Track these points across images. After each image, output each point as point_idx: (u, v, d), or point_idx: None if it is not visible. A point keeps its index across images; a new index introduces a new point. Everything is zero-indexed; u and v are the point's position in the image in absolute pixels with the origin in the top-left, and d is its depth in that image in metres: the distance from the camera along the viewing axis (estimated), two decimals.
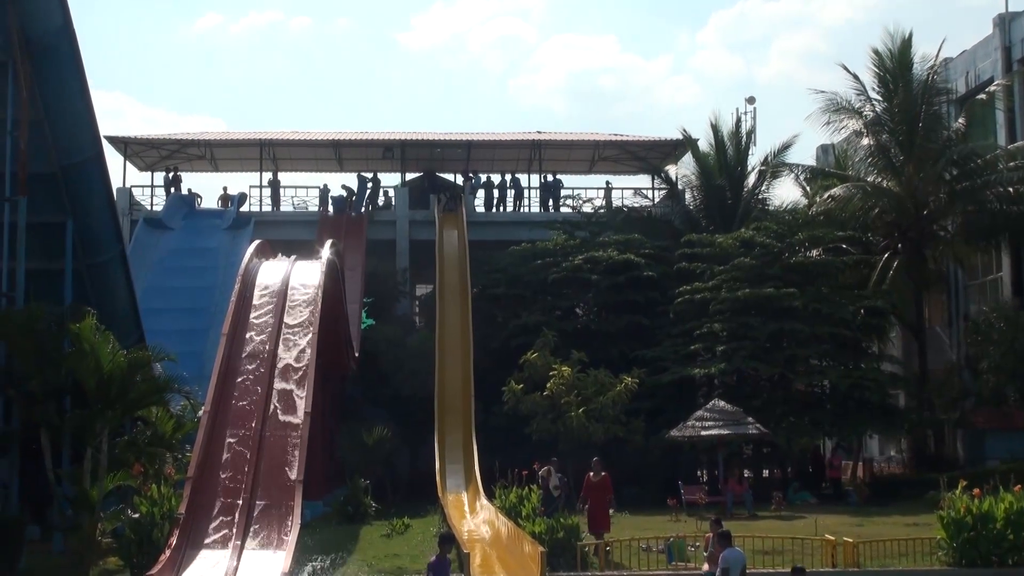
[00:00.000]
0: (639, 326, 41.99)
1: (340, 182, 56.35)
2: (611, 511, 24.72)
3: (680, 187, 49.23)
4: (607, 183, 53.48)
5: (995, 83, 42.28)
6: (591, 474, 24.40)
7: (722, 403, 35.81)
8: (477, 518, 28.25)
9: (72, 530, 23.69)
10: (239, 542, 22.62)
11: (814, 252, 43.28)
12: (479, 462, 32.66)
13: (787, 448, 38.77)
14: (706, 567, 20.70)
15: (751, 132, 49.23)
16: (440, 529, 24.96)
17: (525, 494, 24.58)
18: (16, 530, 22.79)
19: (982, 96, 42.80)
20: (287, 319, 30.03)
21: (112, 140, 48.95)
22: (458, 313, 40.99)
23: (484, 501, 28.47)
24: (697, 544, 23.25)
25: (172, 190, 50.87)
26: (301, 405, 26.62)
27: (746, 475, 39.48)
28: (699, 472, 39.88)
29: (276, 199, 51.96)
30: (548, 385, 35.99)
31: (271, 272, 32.36)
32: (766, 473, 44.50)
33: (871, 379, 38.89)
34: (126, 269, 30.09)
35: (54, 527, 24.69)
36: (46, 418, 24.97)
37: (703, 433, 34.60)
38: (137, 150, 52.53)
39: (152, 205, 50.94)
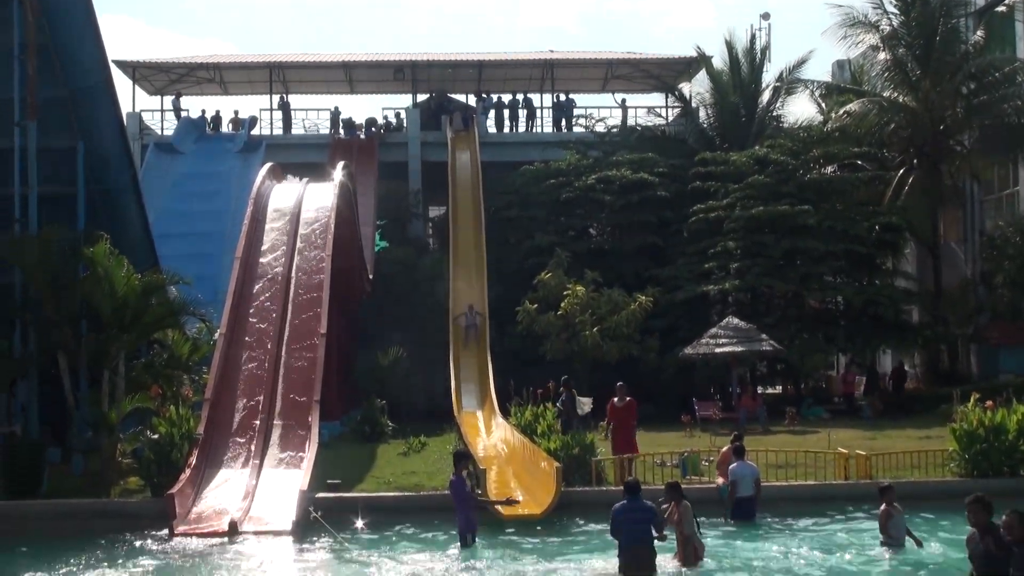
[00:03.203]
0: (653, 245, 41.94)
1: (351, 104, 55.99)
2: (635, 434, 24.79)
3: (694, 105, 48.79)
4: (622, 100, 53.02)
5: None
6: (615, 399, 24.47)
7: (736, 320, 35.85)
8: (493, 436, 28.47)
9: (92, 452, 24.01)
10: (257, 461, 22.93)
11: (829, 169, 43.01)
12: (494, 382, 32.83)
13: (800, 364, 38.86)
14: (720, 481, 20.90)
15: (765, 49, 48.68)
16: (456, 447, 25.15)
17: (540, 412, 24.71)
18: (37, 453, 23.05)
19: (1001, 8, 42.21)
20: (300, 242, 30.10)
21: (120, 64, 48.71)
22: (471, 234, 40.95)
23: (500, 420, 28.66)
24: (711, 459, 23.41)
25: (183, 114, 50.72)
26: (316, 327, 26.76)
27: (759, 391, 39.63)
28: (713, 389, 40.03)
29: (287, 122, 51.77)
30: (562, 305, 36.03)
31: (283, 195, 32.38)
32: (780, 389, 44.71)
33: (885, 295, 38.86)
34: (138, 194, 30.08)
35: (74, 449, 24.97)
36: (63, 342, 25.20)
37: (717, 350, 34.67)
38: (146, 74, 52.24)
39: (163, 130, 50.80)
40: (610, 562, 15.46)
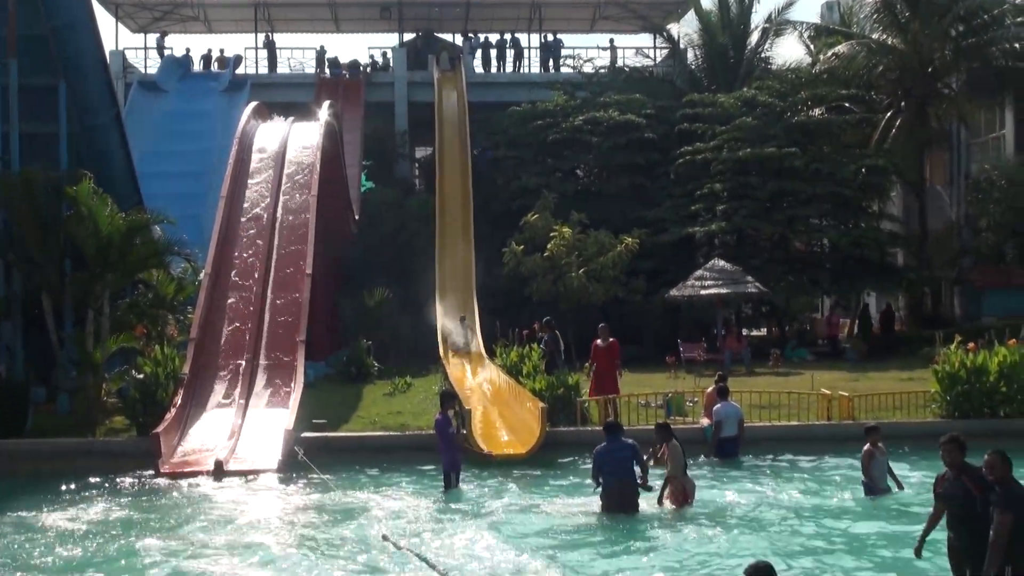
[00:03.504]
0: (640, 187, 41.83)
1: (337, 44, 55.42)
2: (619, 376, 24.87)
3: (682, 46, 48.51)
4: (610, 40, 52.70)
5: None
6: (599, 340, 24.52)
7: (722, 262, 35.88)
8: (478, 377, 28.56)
9: (77, 391, 24.01)
10: (243, 401, 22.98)
11: (816, 111, 42.81)
12: (480, 323, 32.88)
13: (785, 307, 38.97)
14: (705, 421, 21.04)
15: None
16: (442, 387, 25.23)
17: (526, 353, 24.78)
18: (22, 392, 23.06)
19: None
20: (286, 182, 29.99)
21: (103, 1, 48.15)
22: (458, 175, 40.79)
23: (485, 360, 28.74)
24: (695, 400, 23.56)
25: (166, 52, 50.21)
26: (302, 267, 26.73)
27: (744, 333, 39.78)
28: (698, 331, 40.15)
29: (272, 61, 51.33)
30: (548, 246, 35.98)
31: (268, 134, 32.20)
32: (764, 331, 44.86)
33: (870, 238, 38.91)
34: (122, 132, 29.86)
35: (59, 389, 24.99)
36: (47, 282, 25.13)
37: (702, 292, 34.74)
38: (129, 11, 51.64)
39: (146, 68, 50.31)
40: (593, 500, 15.58)
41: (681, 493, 15.94)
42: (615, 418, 20.02)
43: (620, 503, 15.24)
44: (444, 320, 31.32)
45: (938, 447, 10.99)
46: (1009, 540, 9.79)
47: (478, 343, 31.11)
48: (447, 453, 18.02)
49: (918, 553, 11.23)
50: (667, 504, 15.94)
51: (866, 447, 16.46)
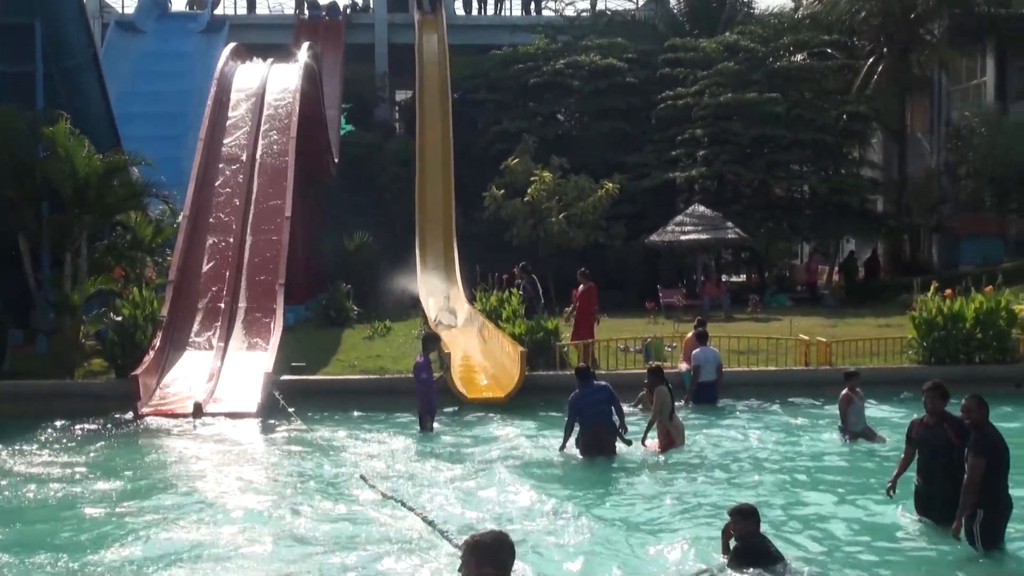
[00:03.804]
0: (621, 132, 41.72)
1: None
2: (597, 322, 24.93)
3: None
4: None
5: None
6: (581, 286, 24.59)
7: (702, 208, 35.92)
8: (459, 321, 28.55)
9: (55, 333, 23.92)
10: (222, 344, 22.94)
11: (799, 57, 42.75)
12: (460, 267, 32.86)
13: (765, 253, 39.08)
14: (683, 366, 21.13)
15: None
16: (422, 331, 25.25)
17: (505, 298, 24.79)
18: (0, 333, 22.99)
19: None
20: (264, 124, 29.74)
21: None
22: (438, 119, 40.52)
23: (465, 305, 28.75)
24: (674, 345, 23.65)
25: None
26: (281, 210, 26.60)
27: (724, 279, 39.90)
28: (678, 276, 40.27)
29: (251, 2, 50.76)
30: (529, 191, 35.95)
31: (247, 76, 31.88)
32: (744, 278, 44.99)
33: (851, 184, 38.99)
34: (99, 73, 29.48)
35: (37, 331, 24.88)
36: (23, 223, 24.93)
37: (682, 238, 34.80)
38: None
39: (123, 8, 49.67)
40: (571, 445, 15.64)
41: (665, 436, 16.02)
42: (588, 363, 20.05)
43: (598, 447, 15.32)
44: (427, 294, 30.96)
45: (914, 393, 11.11)
46: (982, 483, 9.91)
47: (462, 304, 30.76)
48: (424, 397, 18.06)
49: (890, 492, 11.38)
50: (650, 446, 16.03)
51: (844, 392, 16.55)
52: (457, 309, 27.78)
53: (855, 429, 16.47)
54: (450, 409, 19.50)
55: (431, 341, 19.54)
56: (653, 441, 16.14)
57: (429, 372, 18.15)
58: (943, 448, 10.76)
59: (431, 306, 29.26)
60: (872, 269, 41.42)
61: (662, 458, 15.50)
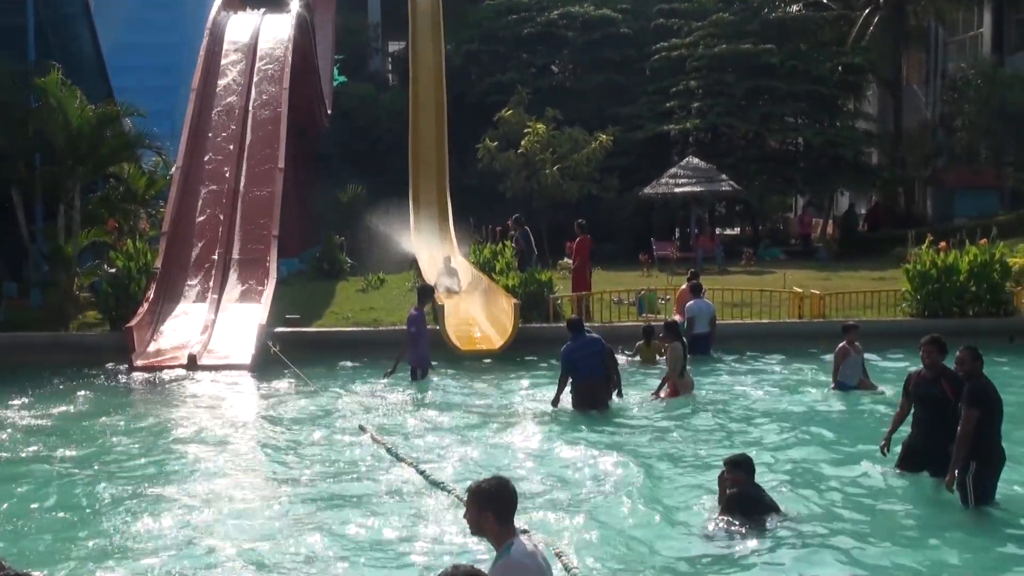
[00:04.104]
0: (615, 83, 41.53)
1: None
2: (590, 274, 24.95)
3: None
4: None
5: None
6: (577, 239, 24.59)
7: (696, 160, 35.85)
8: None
9: (49, 286, 23.91)
10: (216, 296, 22.93)
11: (794, 8, 42.51)
12: (453, 220, 32.78)
13: (759, 205, 39.04)
14: (677, 318, 21.16)
15: None
16: (416, 283, 25.26)
17: (499, 250, 24.78)
18: None
19: None
20: (257, 75, 29.56)
21: None
22: (432, 70, 40.20)
23: (459, 257, 28.71)
24: (667, 298, 23.69)
25: None
26: (274, 162, 26.51)
27: (717, 232, 39.91)
28: (671, 229, 40.25)
29: None
30: (522, 143, 35.83)
31: (240, 26, 31.64)
32: (738, 231, 44.97)
33: (845, 136, 38.91)
34: (90, 23, 29.29)
35: (31, 283, 24.87)
36: (16, 175, 24.84)
37: (676, 190, 34.76)
38: None
39: None
40: (566, 399, 15.65)
41: (672, 392, 16.05)
42: (582, 316, 20.06)
43: (592, 400, 15.31)
44: (421, 247, 30.74)
45: (909, 346, 11.13)
46: (976, 435, 9.96)
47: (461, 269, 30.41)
48: (416, 349, 18.07)
49: (884, 450, 11.40)
50: (661, 398, 16.05)
51: (842, 344, 16.47)
52: (459, 271, 26.64)
53: (848, 383, 16.45)
54: (444, 360, 19.53)
55: (426, 293, 19.53)
56: (665, 392, 16.19)
57: (421, 326, 18.15)
58: (939, 402, 10.78)
59: (425, 260, 29.20)
60: (875, 221, 41.34)
61: (657, 411, 15.52)
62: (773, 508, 9.67)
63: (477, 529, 5.99)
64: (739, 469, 9.70)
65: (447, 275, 25.65)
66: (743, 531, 9.40)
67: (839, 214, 44.33)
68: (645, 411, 15.52)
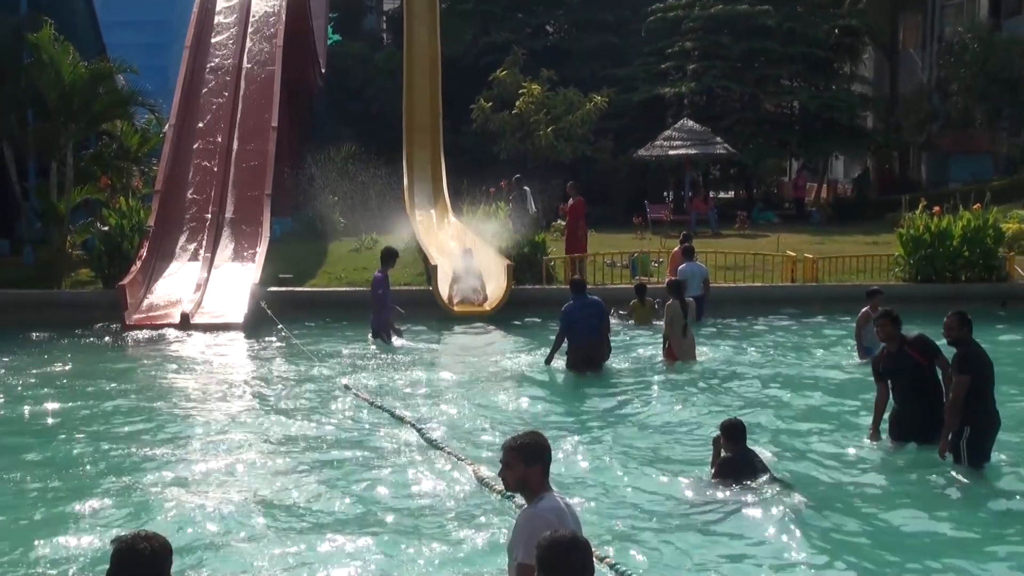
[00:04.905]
0: (610, 45, 41.37)
1: None
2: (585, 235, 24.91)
3: None
4: None
5: None
6: (570, 200, 24.54)
7: (691, 123, 35.77)
8: (445, 234, 28.50)
9: (42, 244, 23.84)
10: (209, 254, 22.89)
11: None
12: (447, 181, 32.68)
13: (754, 168, 38.99)
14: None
15: None
16: (409, 244, 25.23)
17: (493, 211, 24.73)
18: None
19: None
20: (251, 32, 29.40)
21: None
22: (426, 29, 39.99)
23: (452, 218, 28.66)
24: (661, 260, 23.69)
25: None
26: (267, 120, 26.40)
27: (711, 195, 39.88)
28: (666, 191, 40.22)
29: None
30: (517, 104, 35.72)
31: None
32: (732, 194, 44.95)
33: (841, 100, 38.82)
34: None
35: (23, 240, 24.80)
36: (8, 131, 24.72)
37: (671, 152, 34.70)
38: None
39: None
40: (558, 361, 15.67)
41: (669, 353, 15.97)
42: (578, 276, 20.04)
43: (587, 361, 15.33)
44: (414, 207, 30.44)
45: (901, 310, 11.14)
46: (967, 401, 9.98)
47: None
48: (379, 313, 17.95)
49: (873, 438, 11.24)
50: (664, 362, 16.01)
51: (864, 309, 15.97)
52: (477, 269, 21.77)
53: (874, 349, 15.95)
54: (436, 320, 19.54)
55: (390, 256, 18.93)
56: (665, 355, 16.18)
57: (386, 288, 18.00)
58: (912, 371, 10.75)
59: (418, 221, 29.13)
60: (885, 184, 41.24)
61: (653, 373, 15.55)
62: (764, 471, 9.72)
63: (519, 485, 5.93)
64: (732, 433, 9.75)
65: (465, 274, 21.52)
66: (734, 495, 9.45)
67: (833, 178, 44.32)
68: (641, 374, 15.53)
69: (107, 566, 4.50)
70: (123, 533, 4.64)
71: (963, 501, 9.63)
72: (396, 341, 17.89)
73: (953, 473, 10.08)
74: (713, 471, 9.91)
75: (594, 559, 4.86)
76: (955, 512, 9.34)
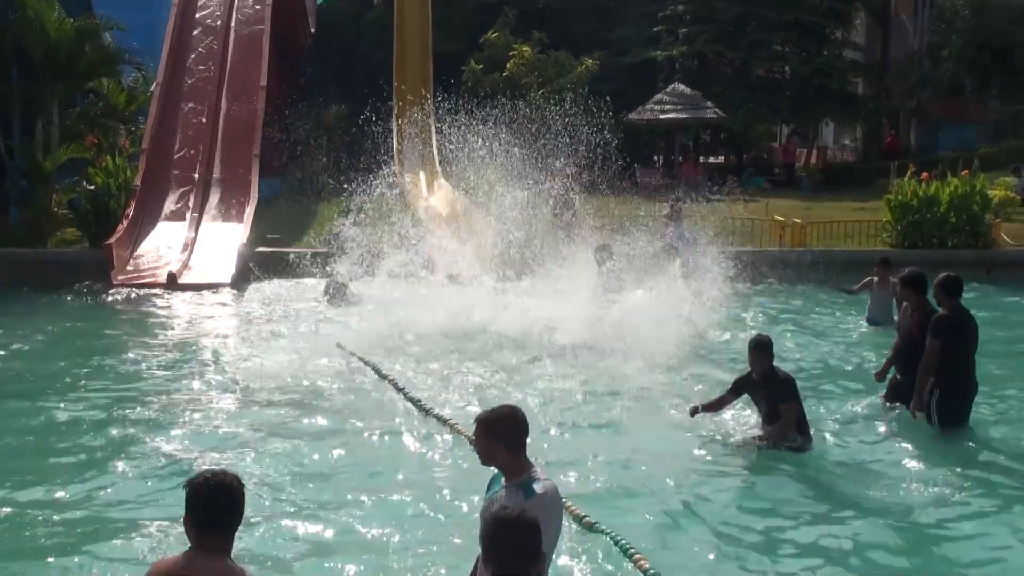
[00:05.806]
0: (602, 7, 41.15)
1: None
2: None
3: None
4: None
5: None
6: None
7: (682, 87, 35.63)
8: (435, 196, 28.43)
9: (28, 202, 23.73)
10: (196, 214, 22.84)
11: None
12: (436, 142, 32.55)
13: (744, 134, 38.91)
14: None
15: None
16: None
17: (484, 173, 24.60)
18: None
19: None
20: None
21: None
22: None
23: (442, 181, 28.58)
24: (649, 225, 23.62)
25: None
26: (256, 79, 26.26)
27: (701, 160, 39.81)
28: (656, 156, 40.12)
29: None
30: (508, 66, 35.53)
31: None
32: (722, 159, 44.87)
33: (832, 66, 38.69)
34: None
35: (9, 199, 24.66)
36: None
37: (662, 117, 34.58)
38: None
39: None
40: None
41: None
42: None
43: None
44: (404, 171, 30.26)
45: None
46: (940, 364, 10.03)
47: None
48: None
49: (879, 377, 11.33)
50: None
51: (871, 278, 15.96)
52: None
53: (874, 318, 15.90)
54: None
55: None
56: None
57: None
58: (904, 336, 10.86)
59: (408, 183, 29.03)
60: (892, 151, 41.14)
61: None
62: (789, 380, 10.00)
63: (488, 459, 5.64)
64: (762, 349, 9.85)
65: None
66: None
67: (823, 144, 44.25)
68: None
69: (184, 506, 4.59)
70: (202, 470, 4.79)
71: (926, 457, 9.74)
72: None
73: (926, 434, 10.15)
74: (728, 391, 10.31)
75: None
76: (917, 464, 9.56)
